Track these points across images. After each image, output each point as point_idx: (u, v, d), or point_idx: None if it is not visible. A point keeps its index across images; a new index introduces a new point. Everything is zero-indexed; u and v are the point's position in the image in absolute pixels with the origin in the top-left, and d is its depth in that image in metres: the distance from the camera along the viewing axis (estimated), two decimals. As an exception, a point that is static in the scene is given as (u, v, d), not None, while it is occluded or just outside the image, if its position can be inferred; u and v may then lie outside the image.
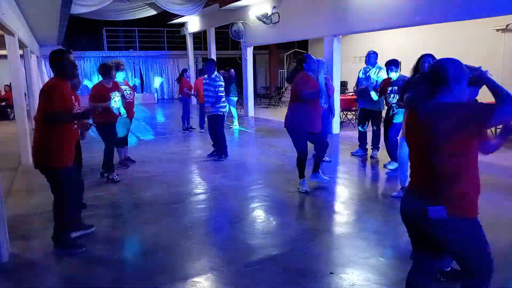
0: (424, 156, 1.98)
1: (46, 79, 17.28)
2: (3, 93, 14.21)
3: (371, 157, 6.73)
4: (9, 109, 12.89)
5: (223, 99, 6.62)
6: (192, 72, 15.73)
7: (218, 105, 6.57)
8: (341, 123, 10.12)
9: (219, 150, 6.89)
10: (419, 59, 4.39)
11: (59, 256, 3.45)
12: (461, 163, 1.90)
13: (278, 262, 3.27)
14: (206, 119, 6.86)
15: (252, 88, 13.31)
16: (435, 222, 1.92)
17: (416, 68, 4.41)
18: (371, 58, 6.63)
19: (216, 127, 6.78)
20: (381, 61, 6.37)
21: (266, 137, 9.01)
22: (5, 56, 6.97)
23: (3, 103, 13.40)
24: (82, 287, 3.00)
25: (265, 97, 17.76)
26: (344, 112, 10.54)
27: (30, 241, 3.83)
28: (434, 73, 1.97)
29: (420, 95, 2.00)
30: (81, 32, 17.50)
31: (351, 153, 7.02)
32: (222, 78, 6.74)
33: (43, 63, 16.78)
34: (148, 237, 3.82)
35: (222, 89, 6.57)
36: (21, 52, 7.94)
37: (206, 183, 5.74)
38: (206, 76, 6.78)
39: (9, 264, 3.32)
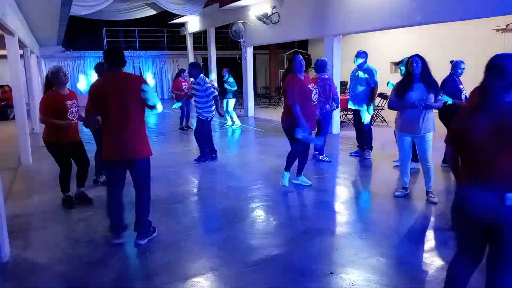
0: (497, 151, 2.05)
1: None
2: (3, 93, 14.21)
3: (364, 157, 6.70)
4: (9, 109, 12.89)
5: (212, 103, 6.41)
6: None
7: (200, 110, 6.43)
8: (341, 123, 10.12)
9: (204, 153, 6.72)
10: (408, 60, 4.42)
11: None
12: None
13: (278, 262, 3.27)
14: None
15: (252, 88, 13.31)
16: (510, 209, 2.01)
17: (408, 69, 4.42)
18: (358, 58, 6.44)
19: (199, 131, 6.61)
20: (383, 62, 6.37)
21: (266, 137, 9.01)
22: (5, 56, 6.96)
23: (3, 103, 13.39)
24: (82, 287, 3.01)
25: (265, 97, 17.75)
26: (344, 112, 10.54)
27: (30, 241, 3.83)
28: (500, 70, 2.03)
29: (488, 94, 2.09)
30: (81, 32, 17.52)
31: (350, 153, 7.01)
32: (207, 80, 6.52)
33: (43, 62, 16.79)
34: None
35: (212, 90, 6.40)
36: (21, 52, 7.94)
37: (206, 183, 5.74)
38: (192, 80, 6.62)
39: (9, 264, 3.33)
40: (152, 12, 14.11)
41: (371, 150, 6.73)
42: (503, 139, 2.01)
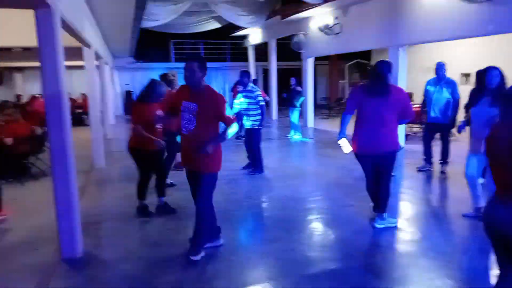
0: None
1: (118, 89, 18.52)
2: (79, 100, 15.37)
3: (441, 172, 6.37)
4: (84, 116, 13.90)
5: (259, 111, 6.40)
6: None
7: (253, 118, 6.40)
8: (406, 136, 9.72)
9: (254, 164, 6.68)
10: (483, 72, 4.19)
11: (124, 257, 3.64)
12: None
13: (336, 277, 3.19)
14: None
15: (312, 99, 13.23)
16: None
17: (480, 82, 4.17)
18: (441, 69, 6.24)
19: (252, 141, 6.60)
20: (452, 73, 6.08)
21: (325, 149, 8.88)
22: (81, 67, 7.55)
23: (80, 110, 14.47)
24: (145, 286, 3.14)
25: (325, 108, 17.57)
26: (409, 124, 10.12)
27: (100, 239, 4.08)
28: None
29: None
30: (150, 44, 18.50)
31: (417, 168, 6.67)
32: (258, 88, 6.60)
33: (115, 73, 17.98)
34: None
35: (261, 98, 6.45)
36: (96, 63, 8.57)
37: (264, 192, 5.76)
38: (241, 88, 6.63)
39: (81, 259, 3.57)
40: (217, 25, 14.59)
41: (447, 165, 6.39)
42: None
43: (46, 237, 4.00)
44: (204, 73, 3.35)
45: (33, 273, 3.37)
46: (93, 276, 3.32)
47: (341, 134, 4.16)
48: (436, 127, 6.37)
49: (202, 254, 3.48)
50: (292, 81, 10.68)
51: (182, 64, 3.53)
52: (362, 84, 4.30)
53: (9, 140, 6.30)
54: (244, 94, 6.53)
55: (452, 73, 6.43)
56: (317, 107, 16.08)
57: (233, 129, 3.40)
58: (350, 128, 4.12)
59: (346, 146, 4.14)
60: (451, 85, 6.18)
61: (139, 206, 4.69)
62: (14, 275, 3.38)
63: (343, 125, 4.14)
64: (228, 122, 3.39)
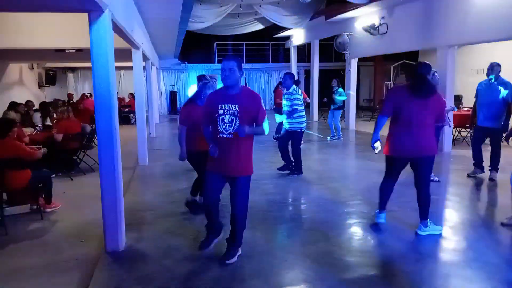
0: None
1: (163, 89, 19.09)
2: (127, 100, 15.99)
3: (490, 179, 6.06)
4: (131, 114, 14.44)
5: (300, 113, 6.38)
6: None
7: (294, 120, 6.39)
8: (454, 140, 9.32)
9: (295, 166, 6.62)
10: None
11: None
12: None
13: (375, 284, 3.12)
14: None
15: (355, 101, 12.99)
16: None
17: None
18: (495, 70, 5.91)
19: (292, 143, 6.58)
20: (506, 75, 5.75)
21: (367, 152, 8.68)
22: (130, 67, 7.85)
23: (127, 109, 15.05)
24: (184, 281, 3.22)
25: (368, 109, 17.20)
26: (457, 128, 9.69)
27: (142, 233, 4.23)
28: None
29: None
30: (194, 46, 18.93)
31: (467, 174, 6.39)
32: (300, 91, 6.53)
33: (161, 74, 18.56)
34: (245, 242, 3.92)
35: (299, 102, 6.38)
36: (143, 64, 8.87)
37: (302, 194, 5.74)
38: (284, 90, 6.62)
39: (124, 253, 3.72)
40: (260, 26, 14.69)
41: (497, 172, 6.07)
42: None
43: (91, 229, 4.21)
44: (241, 73, 3.32)
45: (78, 264, 3.56)
46: (134, 269, 3.45)
47: (376, 137, 4.12)
48: (486, 131, 6.06)
49: (239, 253, 3.52)
50: (334, 82, 10.54)
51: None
52: (401, 86, 4.15)
53: (58, 137, 6.68)
54: (286, 96, 6.56)
55: (504, 74, 6.08)
56: (359, 109, 15.78)
57: (265, 128, 3.40)
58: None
59: (378, 149, 4.14)
60: (506, 86, 5.82)
61: (188, 201, 4.80)
62: (60, 264, 3.57)
63: (378, 128, 4.07)
64: (261, 122, 3.37)
